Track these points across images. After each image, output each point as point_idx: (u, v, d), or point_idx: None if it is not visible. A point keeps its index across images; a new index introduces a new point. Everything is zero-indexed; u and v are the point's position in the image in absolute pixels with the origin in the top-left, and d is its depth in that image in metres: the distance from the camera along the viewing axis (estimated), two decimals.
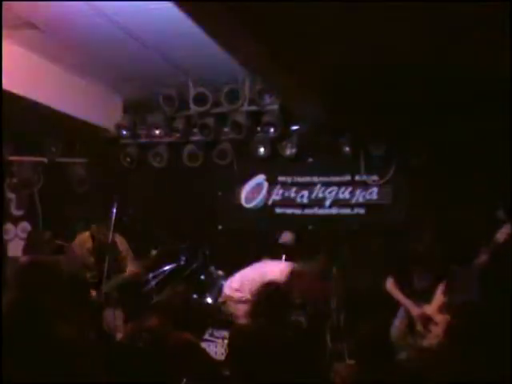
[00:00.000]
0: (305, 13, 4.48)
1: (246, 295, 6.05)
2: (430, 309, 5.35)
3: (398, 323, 5.52)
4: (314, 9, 4.37)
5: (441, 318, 5.24)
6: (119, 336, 5.60)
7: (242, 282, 6.31)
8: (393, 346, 4.31)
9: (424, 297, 5.44)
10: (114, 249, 6.15)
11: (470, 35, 4.86)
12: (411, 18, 4.60)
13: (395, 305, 5.64)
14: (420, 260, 5.52)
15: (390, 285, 5.70)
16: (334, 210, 7.58)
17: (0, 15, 5.06)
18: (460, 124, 6.55)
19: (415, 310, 5.43)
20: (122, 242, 6.31)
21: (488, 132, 6.37)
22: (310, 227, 7.64)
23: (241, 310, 5.97)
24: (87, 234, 6.32)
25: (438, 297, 5.35)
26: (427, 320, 5.31)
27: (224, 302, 6.49)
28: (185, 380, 3.70)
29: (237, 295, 6.28)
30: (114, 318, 5.92)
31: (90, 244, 6.24)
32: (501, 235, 4.85)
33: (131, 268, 6.25)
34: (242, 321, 5.60)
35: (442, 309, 5.25)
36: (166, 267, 7.14)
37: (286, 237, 7.26)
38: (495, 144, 6.34)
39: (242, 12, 4.24)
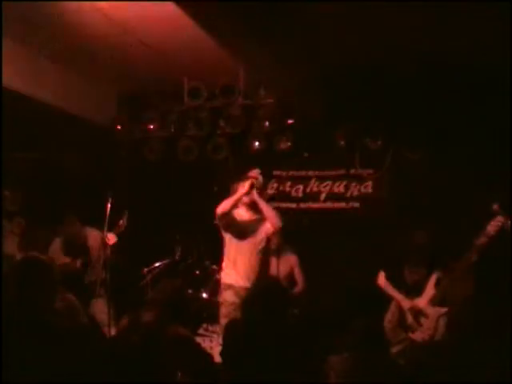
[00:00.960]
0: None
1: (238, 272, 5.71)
2: (421, 302, 5.36)
3: (389, 317, 5.53)
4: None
5: (432, 311, 5.26)
6: (107, 330, 5.61)
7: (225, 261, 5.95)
8: (387, 340, 4.32)
9: (415, 290, 5.45)
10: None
11: (469, 31, 4.87)
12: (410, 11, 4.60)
13: (389, 298, 5.65)
14: (412, 253, 5.53)
15: (381, 278, 5.71)
16: (329, 204, 7.60)
17: (0, 15, 5.05)
18: (456, 118, 6.56)
19: (406, 303, 5.44)
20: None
21: (485, 126, 6.37)
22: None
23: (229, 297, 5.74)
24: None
25: (429, 290, 5.35)
26: (418, 313, 5.33)
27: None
28: (179, 374, 3.70)
29: (231, 280, 5.77)
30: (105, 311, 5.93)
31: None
32: (491, 227, 4.82)
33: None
34: (234, 313, 5.39)
35: (433, 302, 5.26)
36: (161, 262, 7.14)
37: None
38: (493, 137, 6.34)
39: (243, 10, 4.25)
